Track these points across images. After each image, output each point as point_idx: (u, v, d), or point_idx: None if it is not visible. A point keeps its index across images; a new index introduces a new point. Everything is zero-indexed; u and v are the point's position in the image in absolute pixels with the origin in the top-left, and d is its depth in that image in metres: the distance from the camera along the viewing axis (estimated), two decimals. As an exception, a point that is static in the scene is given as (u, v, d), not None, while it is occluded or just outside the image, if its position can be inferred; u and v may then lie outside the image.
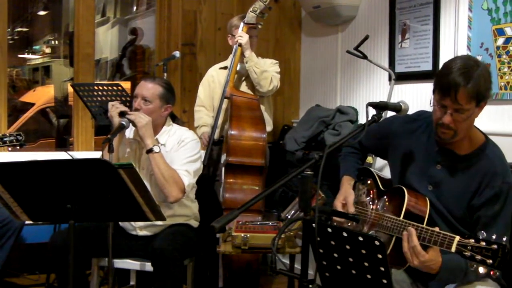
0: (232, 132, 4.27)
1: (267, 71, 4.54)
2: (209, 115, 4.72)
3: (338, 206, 2.93)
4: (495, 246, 2.16)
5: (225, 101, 4.51)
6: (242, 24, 4.57)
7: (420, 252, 2.39)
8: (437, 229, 2.44)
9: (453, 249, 2.29)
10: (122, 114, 3.50)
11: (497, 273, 2.20)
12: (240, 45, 4.52)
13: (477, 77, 2.48)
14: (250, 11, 4.55)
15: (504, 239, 2.18)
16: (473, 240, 2.23)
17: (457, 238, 2.29)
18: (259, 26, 4.65)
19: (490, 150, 2.64)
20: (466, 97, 2.48)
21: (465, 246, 2.25)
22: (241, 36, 4.52)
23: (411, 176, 2.78)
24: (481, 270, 2.21)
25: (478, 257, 2.19)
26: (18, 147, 3.98)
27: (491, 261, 2.16)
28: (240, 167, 4.25)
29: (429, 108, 2.66)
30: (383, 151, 3.02)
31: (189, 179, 3.49)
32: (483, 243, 2.19)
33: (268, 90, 4.58)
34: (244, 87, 4.66)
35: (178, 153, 3.53)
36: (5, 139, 3.90)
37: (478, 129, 2.72)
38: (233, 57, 4.56)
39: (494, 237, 2.20)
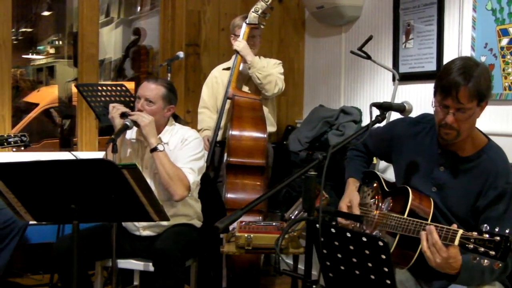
0: (233, 133, 4.27)
1: (270, 75, 4.51)
2: (212, 117, 4.71)
3: (344, 208, 2.93)
4: (498, 238, 2.17)
5: (228, 101, 4.51)
6: (244, 24, 4.56)
7: (442, 247, 2.34)
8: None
9: (457, 242, 2.29)
10: (123, 115, 3.51)
11: (500, 265, 2.20)
12: (238, 52, 4.51)
13: (477, 76, 2.50)
14: (252, 12, 4.54)
15: (507, 231, 2.18)
16: (476, 233, 2.24)
17: (460, 231, 2.30)
18: (262, 26, 4.64)
19: (493, 151, 2.65)
20: (467, 96, 2.49)
21: (468, 239, 2.25)
22: (238, 43, 4.51)
23: (415, 179, 2.79)
24: (485, 263, 2.21)
25: (481, 249, 2.20)
26: (22, 148, 3.99)
27: (493, 252, 2.17)
28: (241, 167, 4.25)
29: (432, 109, 2.67)
30: (387, 154, 3.03)
31: (193, 177, 3.49)
32: (486, 235, 2.20)
33: (274, 93, 4.57)
34: (247, 88, 4.66)
35: (182, 152, 3.54)
36: (10, 140, 3.90)
37: (481, 131, 2.72)
38: (235, 58, 4.55)
39: (497, 229, 2.21)
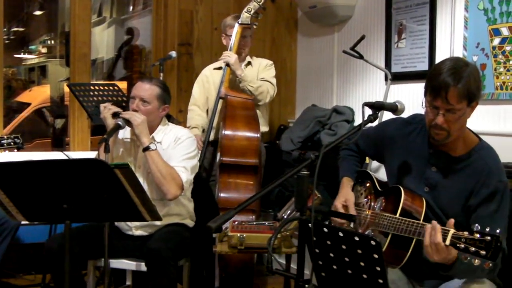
0: (226, 132, 4.27)
1: (261, 86, 4.53)
2: (201, 115, 4.71)
3: (339, 207, 2.93)
4: (488, 238, 2.18)
5: (220, 101, 4.51)
6: (236, 24, 4.56)
7: (443, 248, 2.34)
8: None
9: (448, 241, 2.29)
10: (115, 115, 3.50)
11: (490, 264, 2.21)
12: (228, 65, 4.50)
13: (467, 76, 2.50)
14: (245, 12, 4.54)
15: (498, 230, 2.19)
16: (467, 233, 2.25)
17: (452, 230, 2.31)
18: (254, 27, 4.64)
19: (484, 150, 2.65)
20: (457, 97, 2.50)
21: (459, 238, 2.26)
22: (229, 55, 4.51)
23: (407, 179, 2.79)
24: (476, 262, 2.22)
25: (472, 248, 2.20)
26: (15, 150, 3.97)
27: (484, 252, 2.17)
28: (234, 166, 4.25)
29: (423, 109, 2.67)
30: (379, 155, 3.04)
31: (186, 176, 3.49)
32: (477, 235, 2.21)
33: (266, 102, 4.62)
34: (240, 88, 4.66)
35: (175, 151, 3.54)
36: (3, 141, 3.87)
37: (472, 131, 2.73)
38: (226, 66, 4.55)
39: (487, 229, 2.22)
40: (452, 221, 2.39)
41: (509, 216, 2.61)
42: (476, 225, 2.26)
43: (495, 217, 2.53)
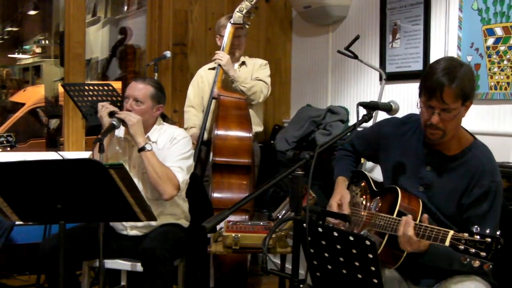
0: (218, 132, 4.27)
1: (254, 86, 4.53)
2: (198, 115, 4.71)
3: (334, 205, 2.93)
4: (489, 239, 2.18)
5: (214, 101, 4.51)
6: (229, 24, 4.56)
7: (414, 240, 2.43)
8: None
9: (447, 243, 2.29)
10: (111, 114, 3.49)
11: (490, 266, 2.21)
12: (220, 66, 4.50)
13: (461, 76, 2.52)
14: (237, 11, 4.54)
15: (498, 232, 2.19)
16: (467, 234, 2.25)
17: (451, 232, 2.31)
18: (247, 26, 4.64)
19: (478, 149, 2.66)
20: (451, 96, 2.51)
21: (459, 240, 2.26)
22: (221, 56, 4.51)
23: (402, 179, 2.79)
24: (475, 263, 2.22)
25: (472, 250, 2.20)
26: (8, 149, 3.96)
27: (484, 253, 2.17)
28: (227, 166, 4.25)
29: (417, 109, 2.68)
30: (375, 155, 3.04)
31: (183, 176, 3.48)
32: (477, 237, 2.21)
33: (259, 102, 4.62)
34: (233, 88, 4.66)
35: (171, 151, 3.53)
36: (-4, 140, 3.87)
37: (466, 130, 2.74)
38: (218, 66, 4.54)
39: (488, 231, 2.22)
40: (426, 216, 2.46)
41: (501, 216, 2.62)
42: (476, 226, 2.26)
43: (488, 216, 2.54)
